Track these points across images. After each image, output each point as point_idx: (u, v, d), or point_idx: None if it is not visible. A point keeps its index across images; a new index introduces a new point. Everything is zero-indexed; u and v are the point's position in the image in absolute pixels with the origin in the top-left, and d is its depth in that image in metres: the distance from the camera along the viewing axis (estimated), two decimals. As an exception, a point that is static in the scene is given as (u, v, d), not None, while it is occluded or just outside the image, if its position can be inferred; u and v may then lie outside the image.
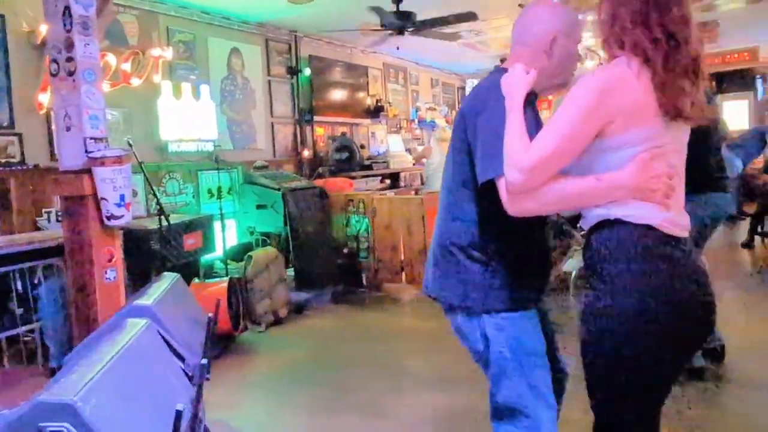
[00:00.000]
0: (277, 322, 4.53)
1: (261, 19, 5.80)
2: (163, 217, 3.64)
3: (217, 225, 4.53)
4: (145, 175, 3.76)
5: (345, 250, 5.54)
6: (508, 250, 1.52)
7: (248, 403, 3.18)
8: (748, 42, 8.69)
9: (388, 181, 6.80)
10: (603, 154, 1.31)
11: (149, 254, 3.64)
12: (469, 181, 1.51)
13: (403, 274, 5.43)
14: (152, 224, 3.76)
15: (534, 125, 1.39)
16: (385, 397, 3.09)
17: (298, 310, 4.82)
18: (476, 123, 1.46)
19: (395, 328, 4.38)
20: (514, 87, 1.40)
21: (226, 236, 4.66)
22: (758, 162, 8.55)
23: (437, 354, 3.75)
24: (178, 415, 1.28)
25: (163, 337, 1.74)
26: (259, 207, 5.15)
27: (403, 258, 5.42)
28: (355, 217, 5.63)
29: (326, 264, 5.22)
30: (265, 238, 5.17)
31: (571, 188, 1.32)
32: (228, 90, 5.55)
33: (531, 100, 1.44)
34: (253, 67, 5.83)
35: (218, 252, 4.65)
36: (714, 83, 11.50)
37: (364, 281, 5.49)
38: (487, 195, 1.44)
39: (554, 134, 1.28)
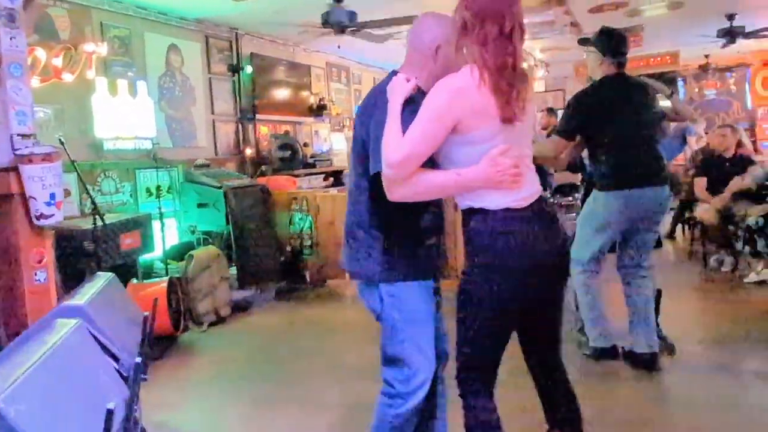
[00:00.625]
0: (220, 321, 4.46)
1: (200, 16, 5.67)
2: (97, 216, 3.52)
3: (156, 224, 4.41)
4: (78, 173, 3.62)
5: (288, 248, 5.51)
6: (400, 230, 1.80)
7: (189, 403, 3.13)
8: (670, 46, 9.18)
9: (331, 179, 6.80)
10: (460, 147, 1.58)
11: (83, 255, 3.51)
12: (366, 172, 1.75)
13: (347, 270, 5.45)
14: (86, 224, 3.63)
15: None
16: (326, 389, 3.11)
17: (241, 308, 4.76)
18: (369, 122, 1.71)
19: (338, 323, 4.40)
20: (394, 93, 1.63)
21: (166, 236, 4.54)
22: (680, 159, 9.06)
23: (378, 345, 3.79)
24: (109, 414, 1.26)
25: (95, 338, 1.70)
26: (200, 206, 5.05)
27: (346, 255, 5.44)
28: (299, 214, 5.60)
29: (269, 262, 5.17)
30: (206, 237, 5.08)
31: (436, 180, 1.60)
32: (166, 87, 5.40)
33: (415, 102, 1.63)
34: (192, 64, 5.70)
35: (158, 252, 4.53)
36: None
37: (308, 278, 5.48)
38: (376, 180, 1.67)
39: (413, 134, 1.53)
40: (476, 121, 1.54)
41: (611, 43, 3.02)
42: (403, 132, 1.55)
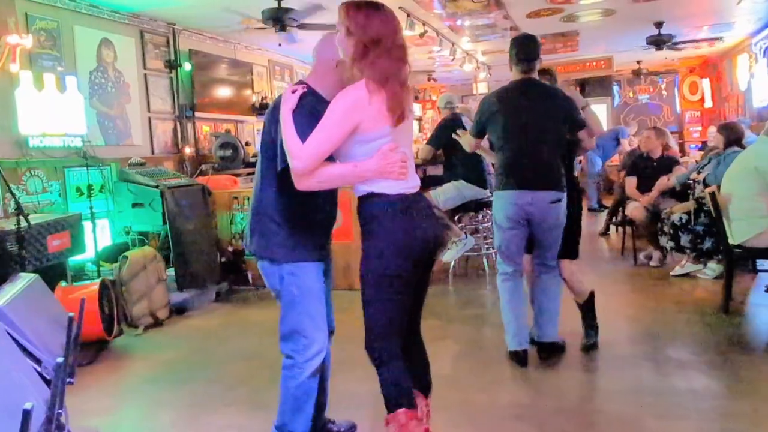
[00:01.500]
0: (157, 324, 4.36)
1: (134, 9, 5.52)
2: (21, 216, 3.37)
3: (87, 225, 4.26)
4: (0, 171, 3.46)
5: (230, 248, 5.44)
6: (299, 216, 2.12)
7: (122, 408, 3.05)
8: (605, 51, 9.61)
9: (275, 179, 6.74)
10: (359, 145, 1.89)
11: (5, 256, 3.36)
12: (272, 166, 2.06)
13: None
14: (9, 225, 3.47)
15: (307, 123, 1.89)
16: (267, 389, 3.08)
17: (180, 311, 4.67)
18: (276, 124, 2.03)
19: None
20: (285, 102, 1.98)
21: (99, 237, 4.39)
22: (615, 160, 9.48)
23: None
24: (26, 415, 1.22)
25: (15, 339, 1.64)
26: (135, 205, 4.91)
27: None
28: (240, 214, 5.54)
29: (210, 263, 5.08)
30: (142, 237, 4.94)
31: (337, 171, 1.92)
32: (98, 83, 5.22)
33: (309, 105, 1.98)
34: (126, 60, 5.53)
35: (90, 253, 4.38)
36: (578, 89, 12.61)
37: (251, 279, 5.42)
38: (283, 176, 1.99)
39: (319, 135, 1.84)
40: (370, 124, 1.86)
41: (513, 51, 3.14)
42: (298, 132, 1.88)
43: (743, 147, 4.86)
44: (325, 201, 2.18)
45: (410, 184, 1.95)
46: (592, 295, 3.46)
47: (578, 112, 3.16)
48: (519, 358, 3.17)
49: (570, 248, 3.31)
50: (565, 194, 3.09)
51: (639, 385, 2.91)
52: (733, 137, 4.87)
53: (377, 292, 1.92)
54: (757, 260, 4.28)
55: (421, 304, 2.11)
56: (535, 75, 3.17)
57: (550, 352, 3.28)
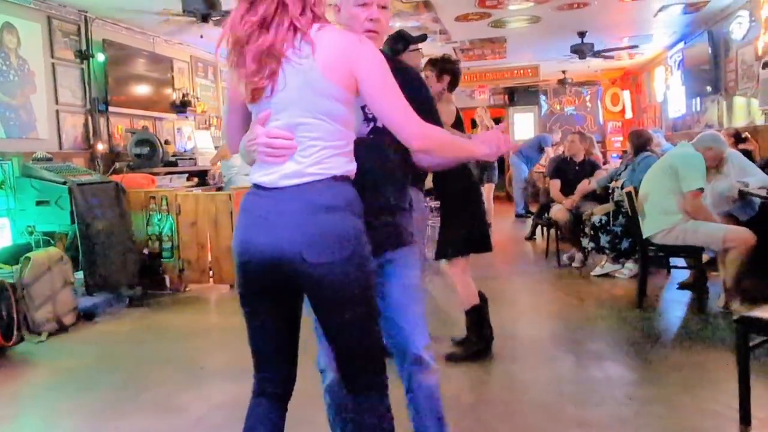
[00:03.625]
0: (62, 330, 4.13)
1: (41, -7, 5.25)
2: None
3: (-18, 223, 3.99)
4: None
5: (146, 251, 5.25)
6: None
7: (20, 416, 2.89)
8: (531, 60, 10.04)
9: (196, 179, 6.56)
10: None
11: None
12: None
13: (211, 273, 5.30)
14: None
15: None
16: (180, 393, 3.01)
17: (88, 316, 4.45)
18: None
19: (197, 328, 4.27)
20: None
21: (-4, 236, 4.13)
22: (540, 167, 9.90)
23: (240, 347, 3.68)
24: None
25: None
26: (39, 203, 4.64)
27: (210, 257, 5.29)
28: (158, 215, 5.36)
29: (123, 266, 4.87)
30: (47, 238, 4.68)
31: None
32: (-1, 70, 4.92)
33: None
34: (31, 47, 5.24)
35: (-15, 254, 4.10)
36: (506, 96, 13.12)
37: (168, 283, 5.25)
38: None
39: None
40: None
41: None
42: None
43: (654, 152, 5.22)
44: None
45: (272, 171, 1.48)
46: (481, 305, 3.24)
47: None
48: None
49: (477, 241, 3.20)
50: None
51: (559, 375, 3.06)
52: (640, 142, 5.22)
53: None
54: (670, 258, 4.58)
55: (344, 354, 1.55)
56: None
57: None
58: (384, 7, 1.73)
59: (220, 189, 6.02)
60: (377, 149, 1.69)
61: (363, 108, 1.66)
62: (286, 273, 1.44)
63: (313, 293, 1.48)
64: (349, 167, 1.51)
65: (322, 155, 1.46)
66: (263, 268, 1.47)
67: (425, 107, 1.72)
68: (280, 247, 1.42)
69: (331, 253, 1.41)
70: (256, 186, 1.51)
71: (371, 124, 1.70)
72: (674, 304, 4.43)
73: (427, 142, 1.55)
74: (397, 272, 1.77)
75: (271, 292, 1.52)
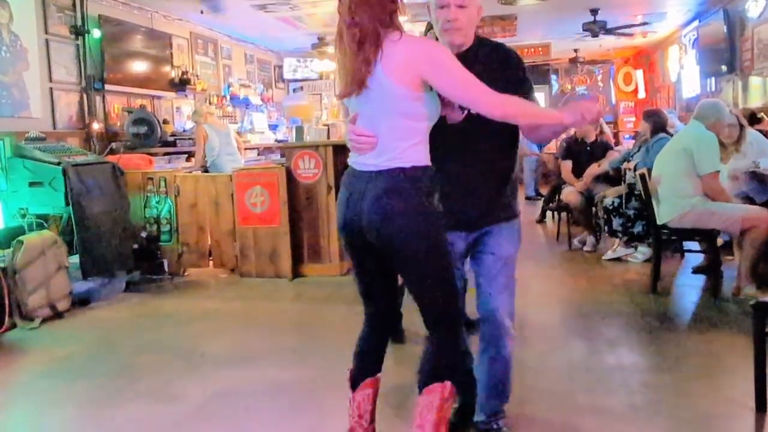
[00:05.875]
0: (57, 316, 4.10)
1: (33, -34, 5.14)
2: None
3: (-26, 204, 3.94)
4: None
5: (143, 234, 5.19)
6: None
7: (13, 404, 2.87)
8: (542, 38, 9.87)
9: (194, 160, 6.49)
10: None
11: None
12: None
13: (211, 257, 5.25)
14: None
15: None
16: (178, 380, 2.97)
17: (83, 301, 4.41)
18: None
19: (196, 313, 4.22)
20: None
21: (-12, 218, 4.07)
22: (551, 147, 9.77)
23: (239, 333, 3.71)
24: None
25: None
26: (32, 185, 4.57)
27: (210, 240, 5.24)
28: (156, 197, 5.30)
29: (120, 249, 4.81)
30: (41, 221, 4.62)
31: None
32: (-10, 46, 4.84)
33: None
34: (24, 22, 5.14)
35: (-23, 237, 4.05)
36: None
37: (166, 267, 5.20)
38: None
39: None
40: None
41: None
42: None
43: (669, 134, 5.11)
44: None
45: (360, 160, 1.87)
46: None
47: None
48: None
49: None
50: None
51: (570, 362, 3.00)
52: (659, 123, 5.11)
53: None
54: (684, 242, 4.49)
55: (419, 300, 1.88)
56: None
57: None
58: (462, 6, 1.97)
59: (206, 171, 5.90)
60: (473, 132, 1.98)
61: None
62: (366, 238, 1.83)
63: (389, 255, 1.84)
64: (421, 156, 1.82)
65: (397, 147, 1.79)
66: (352, 233, 1.87)
67: (513, 80, 2.00)
68: (361, 219, 1.81)
69: (398, 226, 1.76)
70: (352, 168, 1.89)
71: (465, 111, 1.95)
72: (688, 289, 4.36)
73: (507, 109, 1.81)
74: (493, 244, 2.09)
75: (361, 250, 1.90)
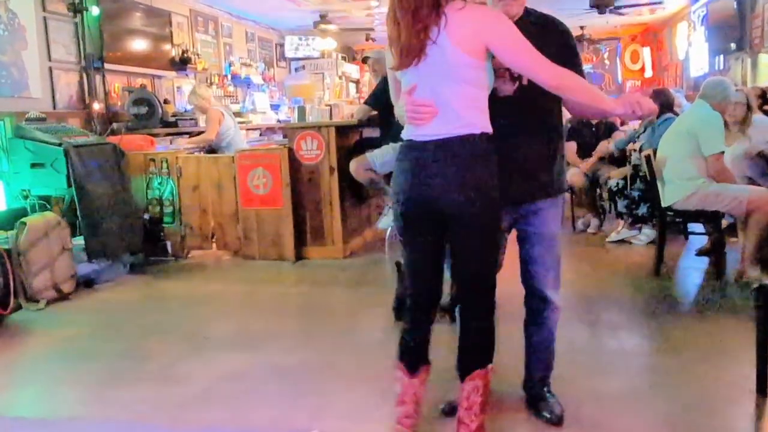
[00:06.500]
0: (61, 297, 4.13)
1: (30, -57, 5.09)
2: None
3: (-24, 186, 3.95)
4: None
5: (146, 216, 5.21)
6: None
7: (17, 385, 2.90)
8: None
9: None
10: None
11: None
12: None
13: (214, 239, 5.27)
14: None
15: None
16: (183, 363, 3.01)
17: (88, 283, 4.44)
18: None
19: (200, 296, 4.25)
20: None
21: (-9, 200, 4.09)
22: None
23: (244, 316, 3.74)
24: None
25: None
26: (34, 166, 4.58)
27: (213, 222, 5.25)
28: (158, 178, 5.31)
29: (123, 231, 4.83)
30: (43, 202, 4.64)
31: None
32: (-12, 25, 4.81)
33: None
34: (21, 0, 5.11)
35: (-20, 219, 4.07)
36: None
37: (169, 249, 5.22)
38: None
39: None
40: None
41: None
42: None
43: (676, 113, 5.07)
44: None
45: (421, 131, 1.87)
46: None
47: None
48: None
49: None
50: None
51: (572, 345, 3.00)
52: (666, 103, 5.06)
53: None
54: (688, 224, 4.49)
55: (466, 275, 1.96)
56: None
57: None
58: None
59: (212, 152, 5.84)
60: (523, 105, 1.99)
61: (508, 70, 1.94)
62: (433, 208, 1.85)
63: (451, 224, 1.87)
64: (483, 123, 1.85)
65: (465, 115, 1.83)
66: (417, 205, 1.89)
67: (566, 55, 2.00)
68: (431, 188, 1.83)
69: (465, 195, 1.81)
70: (409, 140, 1.90)
71: (517, 83, 1.98)
72: (692, 271, 4.37)
73: (561, 81, 1.84)
74: (538, 221, 2.12)
75: (423, 222, 1.91)
